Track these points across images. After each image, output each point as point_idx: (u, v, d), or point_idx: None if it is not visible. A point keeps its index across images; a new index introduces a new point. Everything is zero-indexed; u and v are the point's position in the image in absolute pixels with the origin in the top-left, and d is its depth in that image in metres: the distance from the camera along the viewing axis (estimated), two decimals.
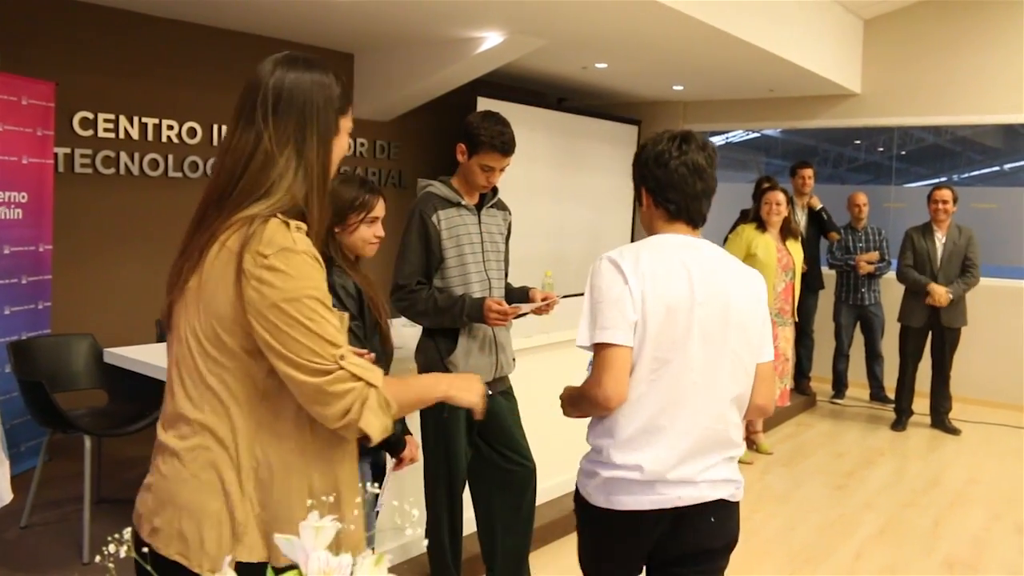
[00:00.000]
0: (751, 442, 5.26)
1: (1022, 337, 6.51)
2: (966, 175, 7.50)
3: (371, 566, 0.91)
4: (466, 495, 3.02)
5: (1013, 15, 6.49)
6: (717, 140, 8.37)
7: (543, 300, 2.89)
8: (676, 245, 1.84)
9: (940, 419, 5.91)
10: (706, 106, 8.03)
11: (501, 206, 3.00)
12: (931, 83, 6.87)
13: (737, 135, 8.50)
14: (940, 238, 5.72)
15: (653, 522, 1.82)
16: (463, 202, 2.83)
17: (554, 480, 3.74)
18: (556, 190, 7.49)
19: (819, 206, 6.41)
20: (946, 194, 5.68)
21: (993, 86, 6.62)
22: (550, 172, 7.40)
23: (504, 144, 2.73)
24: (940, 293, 5.57)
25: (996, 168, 7.44)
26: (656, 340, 1.76)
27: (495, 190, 2.94)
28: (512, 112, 3.66)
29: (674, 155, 1.84)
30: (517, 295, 2.99)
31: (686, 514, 1.81)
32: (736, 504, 1.89)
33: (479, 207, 2.89)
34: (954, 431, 5.84)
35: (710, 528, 1.84)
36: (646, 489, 1.78)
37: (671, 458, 1.78)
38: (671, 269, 1.79)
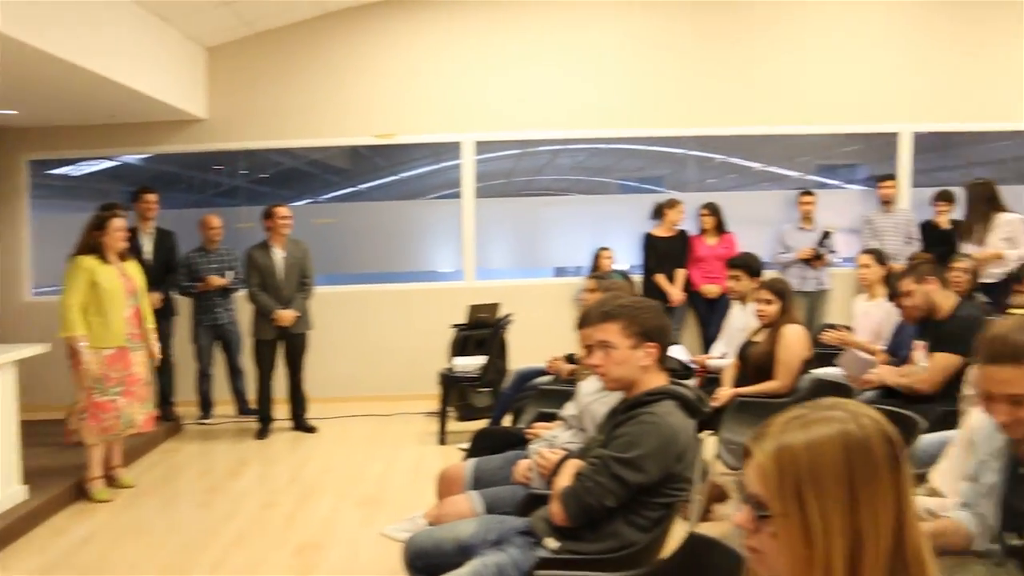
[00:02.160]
0: (111, 479, 4.99)
1: (364, 336, 7.35)
2: (326, 196, 8.05)
3: None
4: None
5: (400, 41, 7.31)
6: (75, 169, 7.77)
7: None
8: None
9: (299, 420, 6.36)
10: (50, 133, 7.38)
11: None
12: (277, 108, 7.29)
13: (98, 164, 7.97)
14: (280, 253, 6.16)
15: None
16: None
17: None
18: None
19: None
20: (283, 211, 6.16)
21: (342, 111, 7.30)
22: None
23: None
24: (286, 317, 6.05)
25: (352, 188, 8.14)
26: None
27: None
28: None
29: None
30: None
31: None
32: None
33: None
34: (311, 429, 6.34)
35: None
36: None
37: None
38: None
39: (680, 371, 2.68)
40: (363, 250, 7.66)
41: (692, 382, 2.68)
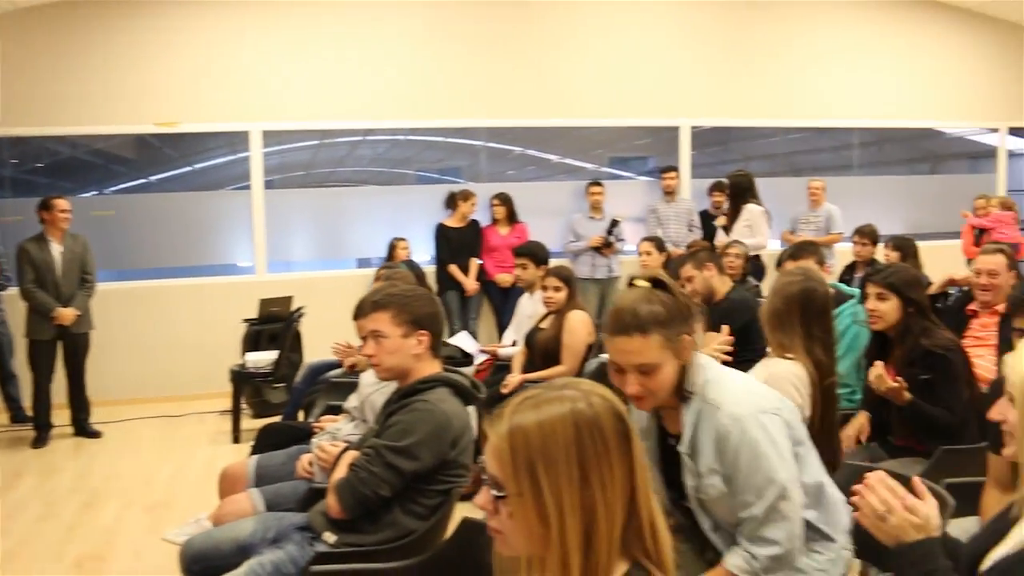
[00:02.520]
0: None
1: (152, 334, 6.99)
2: (112, 187, 7.55)
3: None
4: None
5: (187, 26, 6.94)
6: None
7: None
8: None
9: (81, 426, 5.99)
10: None
11: None
12: (50, 93, 6.73)
13: None
14: (57, 247, 5.77)
15: None
16: None
17: None
18: None
19: None
20: (62, 203, 5.76)
21: (122, 97, 6.85)
22: None
23: None
24: (66, 316, 5.67)
25: (143, 180, 7.67)
26: None
27: None
28: None
29: None
30: None
31: None
32: None
33: None
34: (95, 434, 5.98)
35: None
36: None
37: None
38: None
39: (458, 358, 2.77)
40: (153, 244, 7.26)
41: (469, 369, 2.78)
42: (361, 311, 2.69)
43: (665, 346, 1.88)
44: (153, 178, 7.70)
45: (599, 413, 1.11)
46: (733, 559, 1.93)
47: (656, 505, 1.15)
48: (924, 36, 8.87)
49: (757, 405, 1.95)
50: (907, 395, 2.94)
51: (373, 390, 2.91)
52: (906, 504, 1.47)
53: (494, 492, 1.12)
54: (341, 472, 2.42)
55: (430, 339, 2.50)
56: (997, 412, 1.53)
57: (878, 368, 3.00)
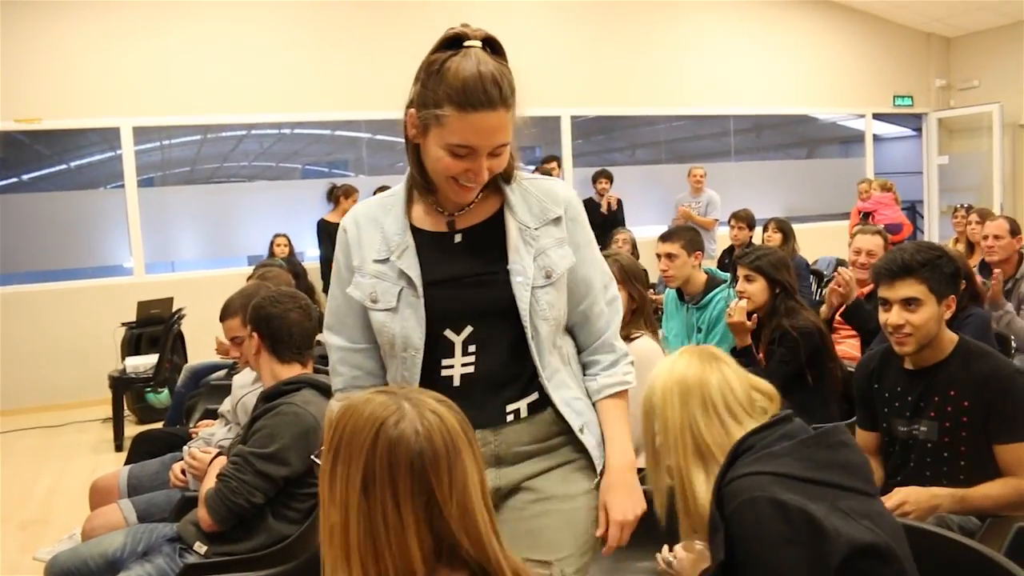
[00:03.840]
0: None
1: (24, 341, 6.66)
2: None
3: None
4: None
5: (52, 19, 6.56)
6: None
7: None
8: None
9: None
10: None
11: None
12: None
13: None
14: None
15: None
16: None
17: None
18: None
19: None
20: None
21: None
22: None
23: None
24: None
25: (14, 179, 7.24)
26: None
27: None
28: None
29: None
30: None
31: None
32: None
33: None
34: None
35: None
36: None
37: None
38: None
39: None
40: (25, 247, 6.92)
41: None
42: (224, 314, 2.71)
43: None
44: (25, 177, 7.36)
45: (398, 441, 1.08)
46: None
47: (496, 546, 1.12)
48: (796, 27, 9.25)
49: None
50: (747, 339, 3.24)
51: (245, 392, 2.87)
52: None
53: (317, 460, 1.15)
54: (210, 483, 2.38)
55: (262, 341, 2.49)
56: None
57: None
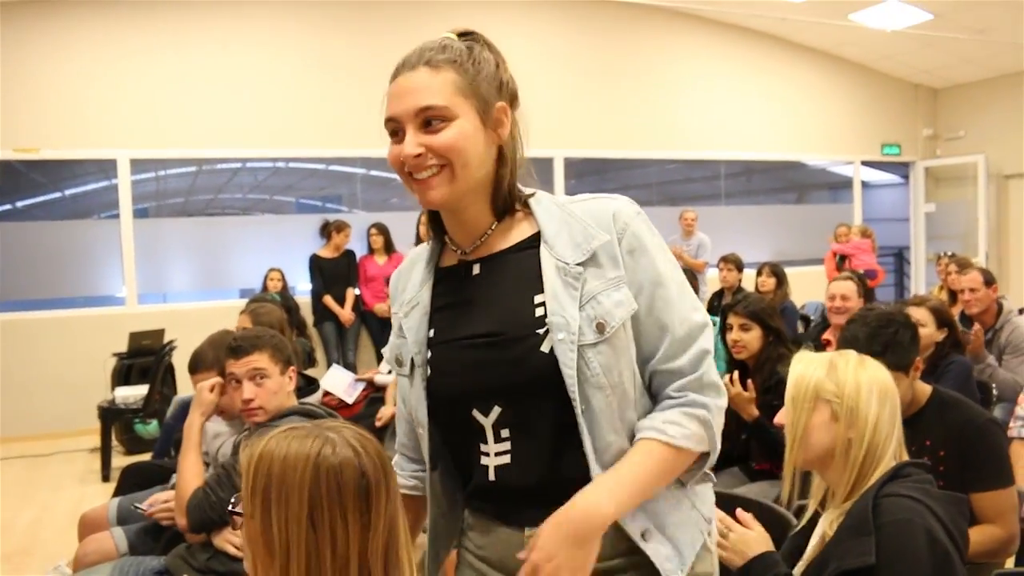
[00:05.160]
0: None
1: (14, 369, 6.65)
2: None
3: None
4: None
5: (53, 48, 6.60)
6: None
7: None
8: None
9: None
10: None
11: None
12: None
13: None
14: None
15: None
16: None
17: None
18: None
19: None
20: None
21: None
22: None
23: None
24: None
25: (9, 206, 7.26)
26: None
27: None
28: None
29: None
30: None
31: None
32: None
33: None
34: None
35: None
36: None
37: None
38: None
39: (303, 388, 2.76)
40: (17, 274, 6.95)
41: (313, 397, 2.77)
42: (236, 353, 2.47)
43: None
44: (19, 204, 7.39)
45: (343, 464, 1.10)
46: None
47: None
48: (788, 75, 9.44)
49: None
50: (754, 410, 3.05)
51: (221, 442, 2.82)
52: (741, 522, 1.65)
53: (236, 509, 1.14)
54: (197, 482, 2.38)
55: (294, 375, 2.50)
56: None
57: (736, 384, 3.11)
